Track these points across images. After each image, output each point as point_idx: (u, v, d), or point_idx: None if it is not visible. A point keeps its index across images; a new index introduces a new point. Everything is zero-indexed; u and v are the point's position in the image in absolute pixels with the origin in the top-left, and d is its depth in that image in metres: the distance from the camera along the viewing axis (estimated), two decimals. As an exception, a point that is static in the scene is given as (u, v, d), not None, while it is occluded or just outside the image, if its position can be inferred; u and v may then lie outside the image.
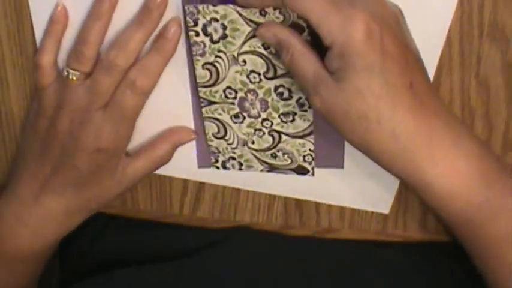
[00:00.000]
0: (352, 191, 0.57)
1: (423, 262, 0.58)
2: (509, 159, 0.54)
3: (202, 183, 0.59)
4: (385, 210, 0.58)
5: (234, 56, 0.50)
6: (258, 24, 0.48)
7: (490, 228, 0.48)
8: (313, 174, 0.56)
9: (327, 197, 0.58)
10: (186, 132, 0.55)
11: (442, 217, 0.49)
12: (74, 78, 0.51)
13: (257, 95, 0.52)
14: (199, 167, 0.57)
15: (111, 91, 0.51)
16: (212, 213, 0.60)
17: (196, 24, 0.49)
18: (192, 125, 0.55)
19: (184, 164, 0.57)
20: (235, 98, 0.52)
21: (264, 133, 0.54)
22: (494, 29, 0.50)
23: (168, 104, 0.54)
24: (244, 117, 0.53)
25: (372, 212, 0.58)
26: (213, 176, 0.58)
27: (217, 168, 0.57)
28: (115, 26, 0.51)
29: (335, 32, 0.43)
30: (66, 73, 0.51)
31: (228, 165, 0.57)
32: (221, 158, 0.56)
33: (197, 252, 0.59)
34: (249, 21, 0.48)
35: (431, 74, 0.51)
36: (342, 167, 0.56)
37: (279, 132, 0.54)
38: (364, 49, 0.43)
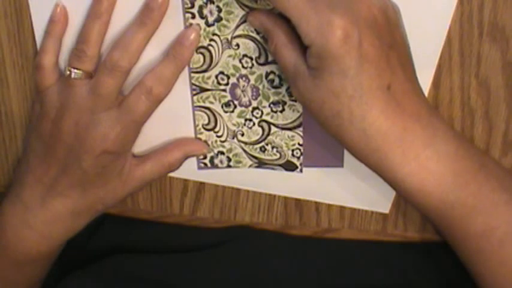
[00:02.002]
0: (352, 190, 0.57)
1: (423, 262, 0.58)
2: (509, 159, 0.54)
3: (202, 183, 0.59)
4: (385, 210, 0.58)
5: (227, 39, 0.51)
6: (250, 8, 0.49)
7: (466, 226, 0.48)
8: (301, 170, 0.56)
9: (327, 197, 0.58)
10: (199, 145, 0.56)
11: (422, 213, 0.50)
12: (76, 77, 0.51)
13: (249, 81, 0.52)
14: (199, 168, 0.58)
15: (114, 92, 0.51)
16: (212, 213, 0.60)
17: (192, 6, 0.50)
18: (191, 123, 0.55)
19: (184, 164, 0.56)
20: (227, 84, 0.53)
21: (253, 123, 0.54)
22: (494, 29, 0.50)
23: (168, 101, 0.54)
24: (235, 106, 0.54)
25: (372, 212, 0.58)
26: (213, 176, 0.58)
27: (205, 165, 0.57)
28: (117, 26, 0.51)
29: (312, 35, 0.43)
30: (68, 72, 0.51)
31: (216, 161, 0.56)
32: (209, 154, 0.56)
33: (197, 250, 0.59)
34: (242, 4, 0.49)
35: (431, 74, 0.51)
36: (342, 166, 0.56)
37: (269, 123, 0.54)
38: (339, 54, 0.43)
